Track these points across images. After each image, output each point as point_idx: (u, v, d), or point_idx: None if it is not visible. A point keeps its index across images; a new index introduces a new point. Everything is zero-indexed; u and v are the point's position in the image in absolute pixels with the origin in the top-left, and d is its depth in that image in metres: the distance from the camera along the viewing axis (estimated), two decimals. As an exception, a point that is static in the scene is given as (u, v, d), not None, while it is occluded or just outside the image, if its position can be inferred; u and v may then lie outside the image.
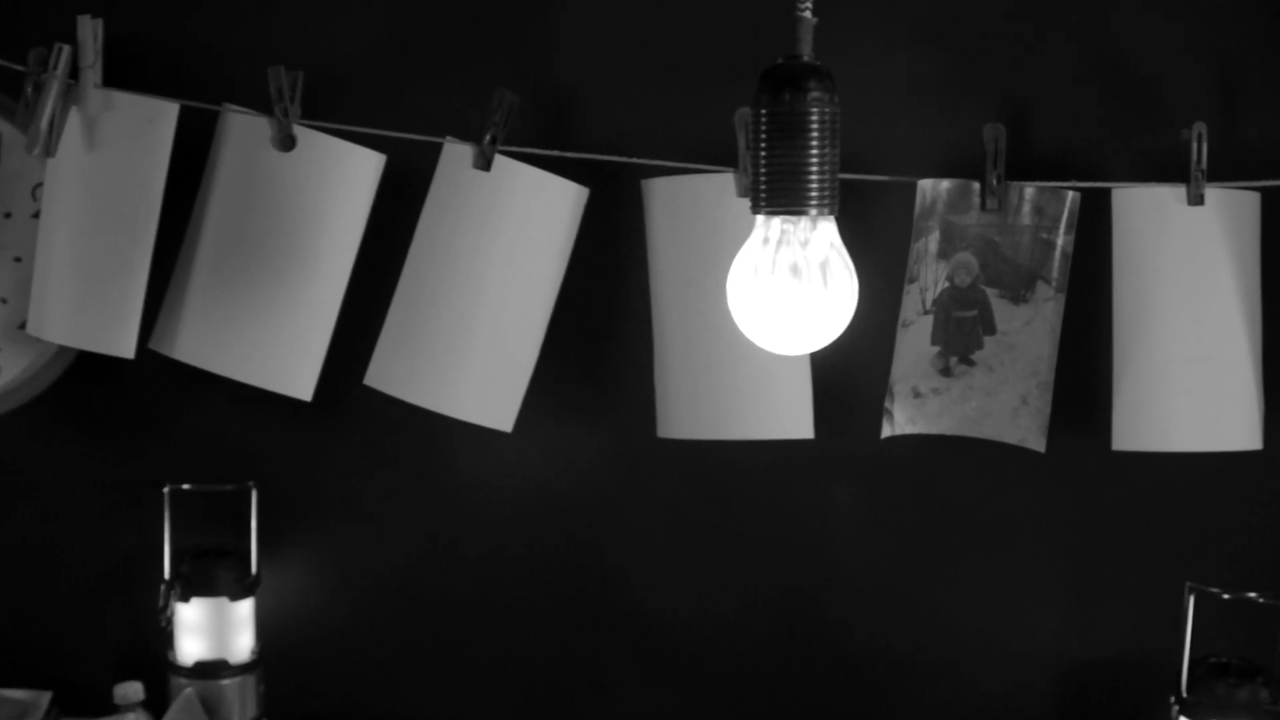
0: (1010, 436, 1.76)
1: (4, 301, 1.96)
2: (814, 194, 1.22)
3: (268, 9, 1.92)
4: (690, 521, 2.00)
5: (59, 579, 2.08)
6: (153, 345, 1.83)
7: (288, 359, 1.78)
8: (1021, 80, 1.83)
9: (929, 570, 1.97)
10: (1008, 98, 1.82)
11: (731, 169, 1.73)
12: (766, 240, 1.23)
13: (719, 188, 1.73)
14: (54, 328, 1.82)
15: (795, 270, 1.21)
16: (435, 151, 1.79)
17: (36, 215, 1.93)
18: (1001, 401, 1.76)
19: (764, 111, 1.23)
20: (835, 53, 1.78)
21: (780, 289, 1.22)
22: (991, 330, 1.76)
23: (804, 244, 1.22)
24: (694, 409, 1.77)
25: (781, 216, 1.23)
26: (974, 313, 1.76)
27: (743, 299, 1.24)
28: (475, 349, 1.77)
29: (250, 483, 2.00)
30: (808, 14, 1.24)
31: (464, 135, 1.78)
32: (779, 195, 1.22)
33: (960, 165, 1.78)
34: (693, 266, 1.75)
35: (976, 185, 1.74)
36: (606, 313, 1.93)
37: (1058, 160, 1.81)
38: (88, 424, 2.05)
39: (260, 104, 1.78)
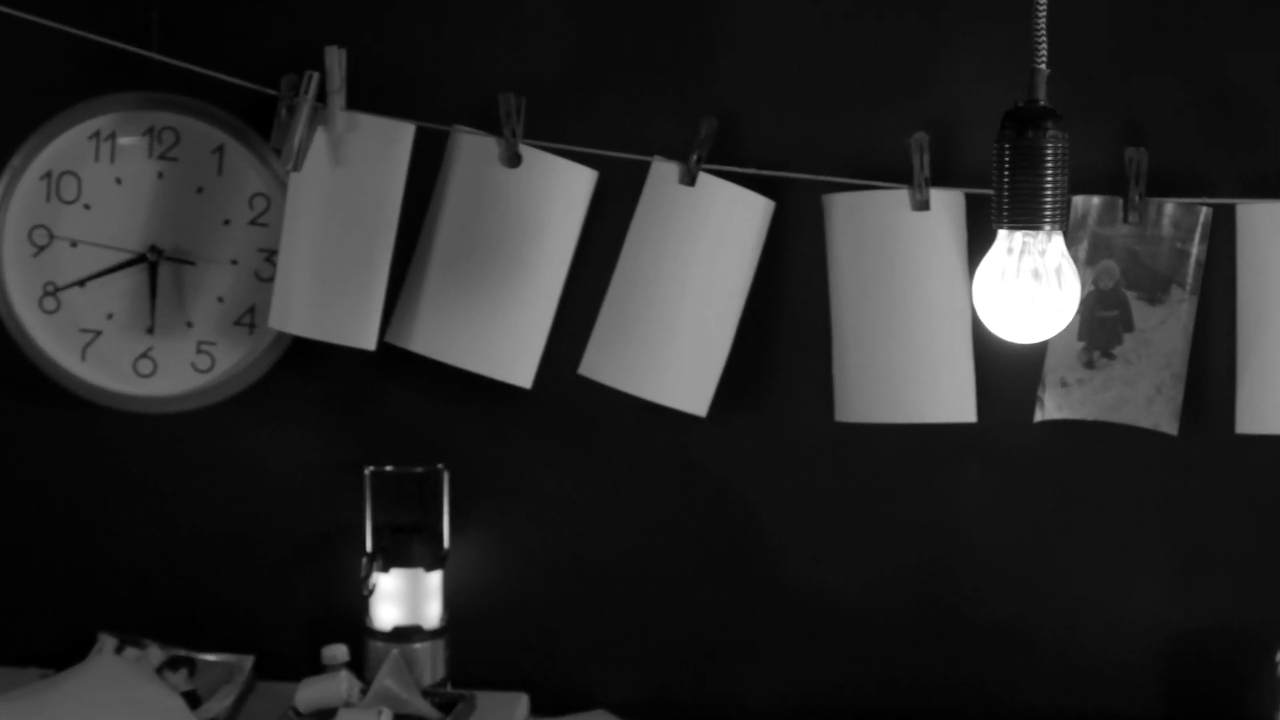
0: (1145, 421, 1.95)
1: (220, 300, 2.13)
2: (1049, 212, 1.45)
3: (476, 42, 2.08)
4: (841, 499, 2.13)
5: (260, 554, 2.23)
6: (389, 339, 1.99)
7: (511, 352, 1.95)
8: (1136, 105, 2.00)
9: (1055, 545, 2.10)
10: (1124, 121, 1.99)
11: (905, 185, 1.92)
12: (1010, 250, 1.46)
13: (895, 202, 1.92)
14: (299, 322, 1.98)
15: (1036, 274, 1.44)
16: (623, 165, 1.95)
17: (253, 222, 2.10)
18: (1138, 390, 1.95)
19: (1008, 145, 1.45)
20: (978, 81, 2.01)
21: (1025, 290, 1.45)
22: (1130, 328, 1.95)
23: (1041, 253, 1.45)
24: (872, 396, 1.94)
25: (1023, 230, 1.45)
26: (1115, 313, 1.95)
27: (991, 298, 1.47)
28: (679, 343, 1.95)
29: (440, 465, 2.16)
30: (1043, 66, 1.46)
31: (640, 149, 1.95)
32: (1021, 213, 1.45)
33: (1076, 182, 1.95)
34: (871, 271, 1.93)
35: (1121, 201, 1.93)
36: (775, 309, 2.08)
37: (1167, 177, 1.96)
38: (292, 412, 2.19)
39: (474, 123, 1.95)
